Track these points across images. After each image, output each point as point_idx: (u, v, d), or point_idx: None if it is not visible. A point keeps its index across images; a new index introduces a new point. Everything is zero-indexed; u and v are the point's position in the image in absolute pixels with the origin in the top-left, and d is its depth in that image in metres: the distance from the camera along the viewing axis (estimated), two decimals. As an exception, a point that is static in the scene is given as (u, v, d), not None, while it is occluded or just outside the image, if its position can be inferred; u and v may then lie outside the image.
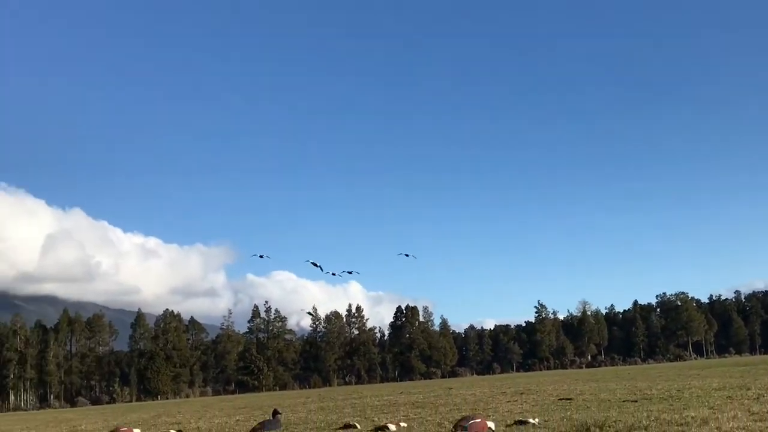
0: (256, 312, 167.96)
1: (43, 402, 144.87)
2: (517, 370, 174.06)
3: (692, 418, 14.56)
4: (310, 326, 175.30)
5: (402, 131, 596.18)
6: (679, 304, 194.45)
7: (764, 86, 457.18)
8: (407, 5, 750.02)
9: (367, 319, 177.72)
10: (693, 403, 18.70)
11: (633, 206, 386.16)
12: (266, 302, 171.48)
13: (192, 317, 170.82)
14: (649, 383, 32.03)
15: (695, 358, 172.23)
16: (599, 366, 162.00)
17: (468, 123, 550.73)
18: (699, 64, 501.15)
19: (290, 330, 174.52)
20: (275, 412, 19.93)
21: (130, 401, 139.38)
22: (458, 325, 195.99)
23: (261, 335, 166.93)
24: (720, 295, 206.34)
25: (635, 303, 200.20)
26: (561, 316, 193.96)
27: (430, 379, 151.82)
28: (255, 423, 21.92)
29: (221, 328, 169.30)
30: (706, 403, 18.21)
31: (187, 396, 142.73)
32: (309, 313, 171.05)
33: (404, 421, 19.03)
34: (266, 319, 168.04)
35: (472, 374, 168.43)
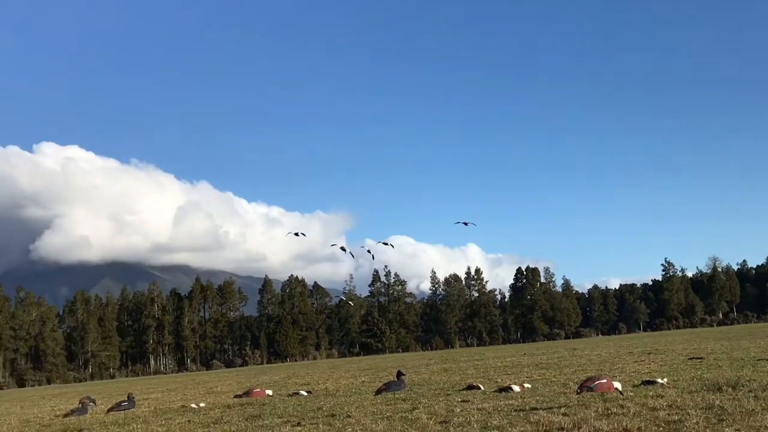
0: (376, 276, 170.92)
1: (180, 366, 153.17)
2: (644, 330, 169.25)
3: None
4: (430, 289, 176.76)
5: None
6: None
7: None
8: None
9: (486, 282, 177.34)
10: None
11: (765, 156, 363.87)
12: (386, 266, 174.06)
13: (315, 282, 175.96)
14: (788, 342, 30.45)
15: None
16: (731, 324, 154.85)
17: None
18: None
19: (410, 293, 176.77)
20: (399, 374, 20.30)
21: (261, 363, 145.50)
22: (581, 285, 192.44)
23: (382, 299, 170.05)
24: None
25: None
26: (690, 274, 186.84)
27: (554, 340, 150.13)
28: (380, 384, 22.47)
29: (343, 293, 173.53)
30: None
31: (315, 358, 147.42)
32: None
33: (528, 382, 18.99)
34: (386, 282, 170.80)
35: (597, 335, 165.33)
